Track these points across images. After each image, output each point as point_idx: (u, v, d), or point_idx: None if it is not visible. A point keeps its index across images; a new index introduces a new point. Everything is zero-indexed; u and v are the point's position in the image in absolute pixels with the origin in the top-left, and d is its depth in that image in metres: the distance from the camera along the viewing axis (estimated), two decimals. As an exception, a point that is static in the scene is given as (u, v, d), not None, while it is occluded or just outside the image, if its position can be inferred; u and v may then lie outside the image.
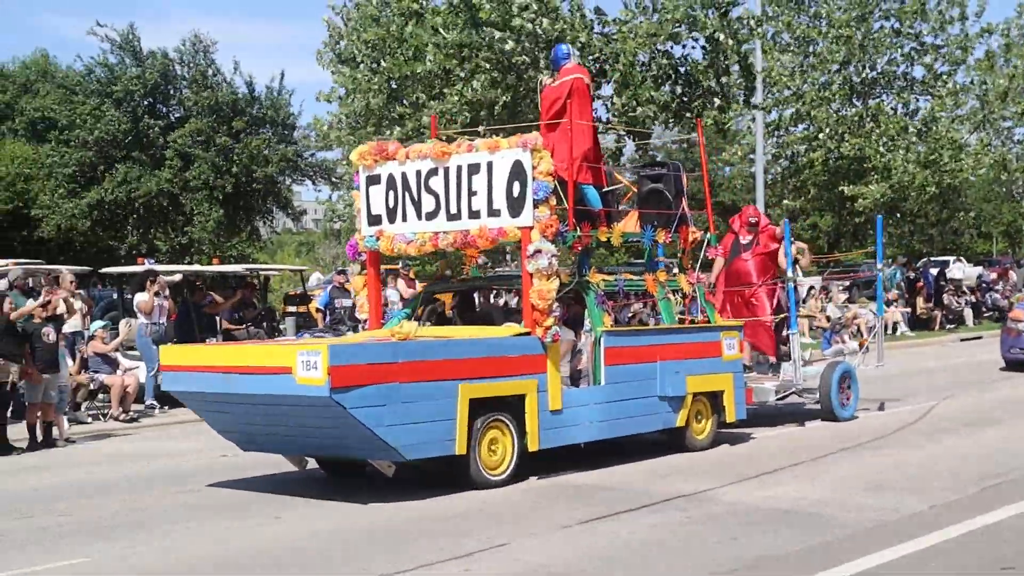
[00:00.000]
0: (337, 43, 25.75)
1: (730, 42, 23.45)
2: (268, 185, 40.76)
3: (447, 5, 23.54)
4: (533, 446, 12.80)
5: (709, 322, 15.26)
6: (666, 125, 28.12)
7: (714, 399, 15.06)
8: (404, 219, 13.82)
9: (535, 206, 12.66)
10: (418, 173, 13.68)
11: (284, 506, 11.82)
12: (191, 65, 42.18)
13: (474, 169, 13.20)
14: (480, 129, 17.73)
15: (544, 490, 12.80)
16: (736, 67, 24.04)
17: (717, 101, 24.15)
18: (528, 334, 12.86)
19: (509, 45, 22.34)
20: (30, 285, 19.87)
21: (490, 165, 13.02)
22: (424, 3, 23.61)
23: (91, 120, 39.35)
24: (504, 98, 22.74)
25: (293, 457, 13.00)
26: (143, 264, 23.91)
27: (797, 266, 18.26)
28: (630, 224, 15.14)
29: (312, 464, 13.21)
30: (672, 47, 23.66)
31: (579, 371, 14.13)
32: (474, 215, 13.24)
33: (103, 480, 13.95)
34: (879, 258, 18.91)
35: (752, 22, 24.27)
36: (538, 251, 12.60)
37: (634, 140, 25.90)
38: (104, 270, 29.24)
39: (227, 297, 23.70)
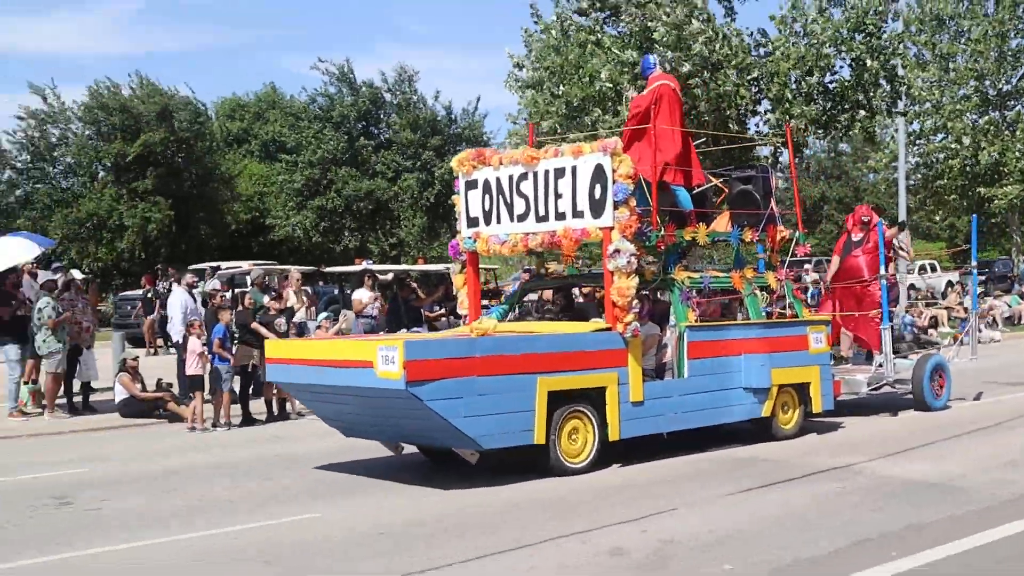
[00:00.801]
0: (520, 69, 27.10)
1: (875, 63, 24.17)
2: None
3: (624, 33, 24.88)
4: (614, 436, 12.64)
5: (797, 317, 15.11)
6: (816, 136, 28.87)
7: (801, 390, 14.80)
8: (498, 221, 13.89)
9: (615, 207, 12.60)
10: (510, 178, 13.75)
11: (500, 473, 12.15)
12: (397, 92, 48.76)
13: (560, 173, 13.18)
14: (571, 136, 18.63)
15: (707, 462, 13.21)
16: (881, 81, 24.80)
17: (862, 112, 24.91)
18: (609, 330, 12.75)
19: (686, 68, 23.21)
20: (266, 282, 22.26)
21: (574, 169, 12.99)
22: (599, 35, 24.76)
23: (314, 142, 45.87)
24: None
25: (391, 444, 13.11)
26: (360, 264, 27.38)
27: (902, 258, 18.61)
28: (722, 224, 14.89)
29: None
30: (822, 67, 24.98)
31: (664, 364, 13.92)
32: (560, 216, 13.21)
33: (326, 450, 14.24)
34: (973, 256, 18.51)
35: (896, 42, 24.76)
36: (617, 250, 12.54)
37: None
38: (327, 269, 32.96)
39: (430, 292, 25.08)
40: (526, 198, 13.65)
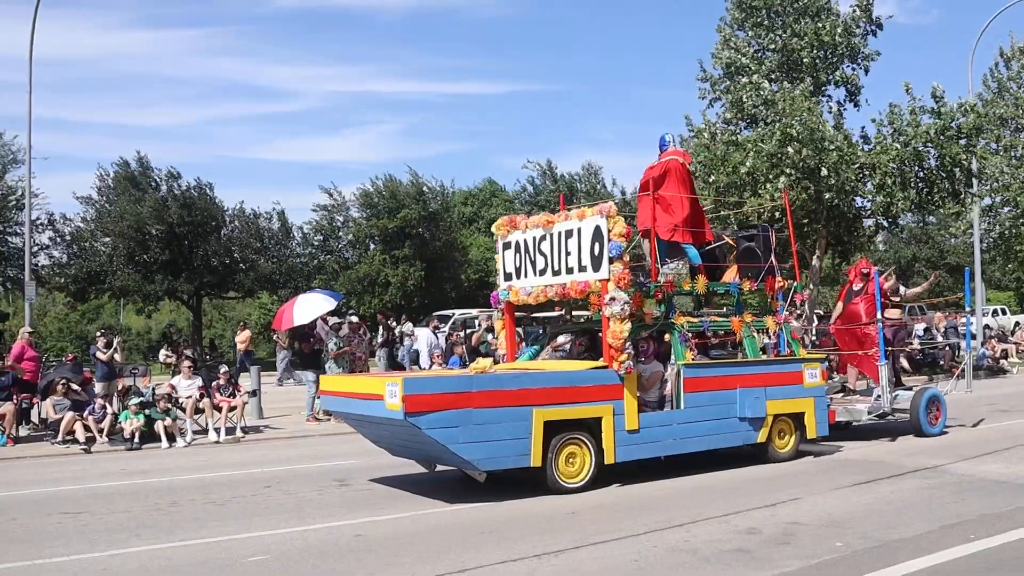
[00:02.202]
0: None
1: (957, 157, 26.46)
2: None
3: (764, 131, 26.48)
4: (609, 459, 12.84)
5: (793, 355, 15.35)
6: (912, 214, 33.57)
7: (796, 419, 14.99)
8: (526, 275, 14.52)
9: (611, 262, 13.08)
10: (533, 239, 14.36)
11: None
12: (586, 182, 60.25)
13: (569, 234, 13.69)
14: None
15: (826, 462, 14.87)
16: (957, 170, 27.10)
17: (947, 195, 27.47)
18: (605, 367, 13.15)
19: (813, 162, 25.31)
20: (491, 325, 24.60)
21: (579, 231, 13.53)
22: (738, 137, 27.07)
23: None
24: (803, 196, 25.87)
25: (424, 462, 13.78)
26: (558, 311, 29.75)
27: (900, 297, 20.16)
28: (730, 276, 15.21)
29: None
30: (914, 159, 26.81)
31: (664, 397, 14.08)
32: (569, 271, 13.71)
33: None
34: (967, 302, 19.83)
35: (971, 141, 26.95)
36: (613, 298, 12.96)
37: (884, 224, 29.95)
38: (535, 315, 36.52)
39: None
40: (545, 256, 14.07)
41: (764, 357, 15.07)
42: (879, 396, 16.88)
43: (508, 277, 15.09)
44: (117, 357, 21.59)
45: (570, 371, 13.25)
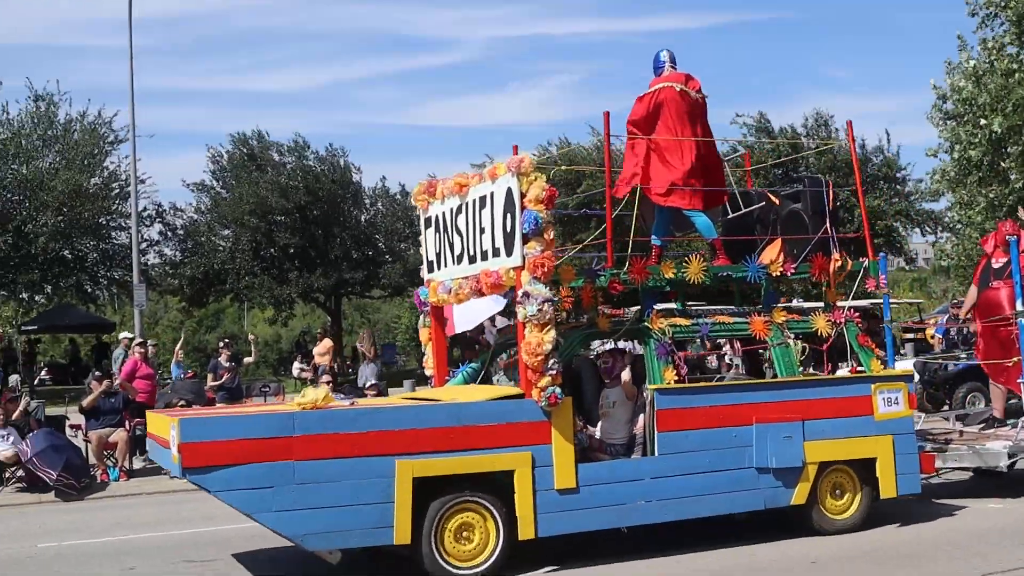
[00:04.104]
0: (944, 103, 25.49)
1: None
2: (886, 235, 42.16)
3: None
4: (526, 533, 8.80)
5: (862, 370, 10.57)
6: None
7: (863, 468, 10.22)
8: (445, 265, 10.50)
9: (524, 241, 8.97)
10: (450, 211, 10.34)
11: None
12: (815, 135, 47.19)
13: (482, 203, 9.58)
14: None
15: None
16: None
17: None
18: (521, 396, 9.06)
19: None
20: None
21: (492, 196, 9.44)
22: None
23: (737, 187, 48.13)
24: None
25: None
26: None
27: None
28: (771, 254, 10.64)
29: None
30: None
31: (634, 437, 9.92)
32: (484, 256, 9.65)
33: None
34: None
35: None
36: (527, 295, 8.84)
37: None
38: None
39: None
40: (461, 236, 9.99)
41: (807, 376, 10.65)
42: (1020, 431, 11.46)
43: (431, 267, 10.98)
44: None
45: (462, 403, 9.23)
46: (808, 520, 10.00)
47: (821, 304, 11.10)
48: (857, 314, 10.58)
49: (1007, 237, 11.59)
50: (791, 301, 11.35)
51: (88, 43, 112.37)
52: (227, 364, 18.25)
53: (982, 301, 12.17)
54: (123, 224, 36.03)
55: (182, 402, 16.38)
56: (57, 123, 34.15)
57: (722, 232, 10.64)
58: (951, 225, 33.89)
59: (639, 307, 10.08)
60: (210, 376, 18.40)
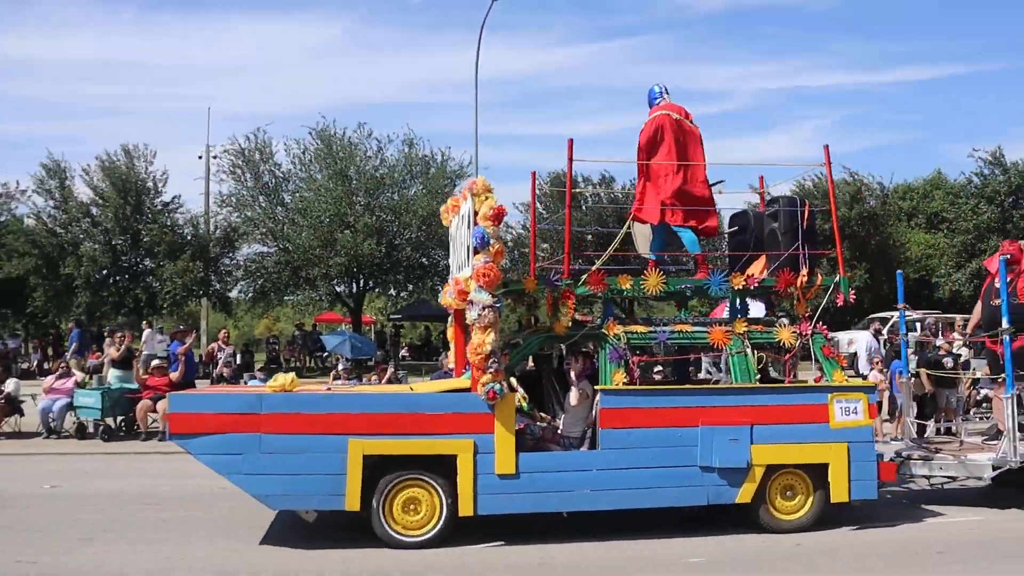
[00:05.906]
0: None
1: None
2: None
3: None
4: (466, 510, 9.87)
5: (825, 380, 10.81)
6: None
7: (816, 473, 10.50)
8: (455, 272, 11.68)
9: (474, 253, 10.07)
10: (455, 227, 11.61)
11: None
12: None
13: (463, 220, 10.76)
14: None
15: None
16: None
17: None
18: (468, 391, 10.12)
19: None
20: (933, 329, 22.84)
21: (467, 214, 10.57)
22: None
23: (971, 215, 49.57)
24: None
25: None
26: None
27: None
28: (757, 269, 11.22)
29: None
30: None
31: (585, 433, 10.70)
32: (459, 267, 10.88)
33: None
34: None
35: None
36: (471, 302, 9.94)
37: None
38: None
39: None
40: (455, 248, 11.42)
41: (759, 384, 10.97)
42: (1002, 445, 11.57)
43: (449, 275, 12.20)
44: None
45: (409, 395, 10.45)
46: (756, 518, 10.48)
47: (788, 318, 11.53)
48: (824, 327, 10.92)
49: (1000, 257, 11.57)
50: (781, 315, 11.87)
51: (437, 100, 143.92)
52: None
53: (987, 319, 12.16)
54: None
55: None
56: (419, 160, 41.17)
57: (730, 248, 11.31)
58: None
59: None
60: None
